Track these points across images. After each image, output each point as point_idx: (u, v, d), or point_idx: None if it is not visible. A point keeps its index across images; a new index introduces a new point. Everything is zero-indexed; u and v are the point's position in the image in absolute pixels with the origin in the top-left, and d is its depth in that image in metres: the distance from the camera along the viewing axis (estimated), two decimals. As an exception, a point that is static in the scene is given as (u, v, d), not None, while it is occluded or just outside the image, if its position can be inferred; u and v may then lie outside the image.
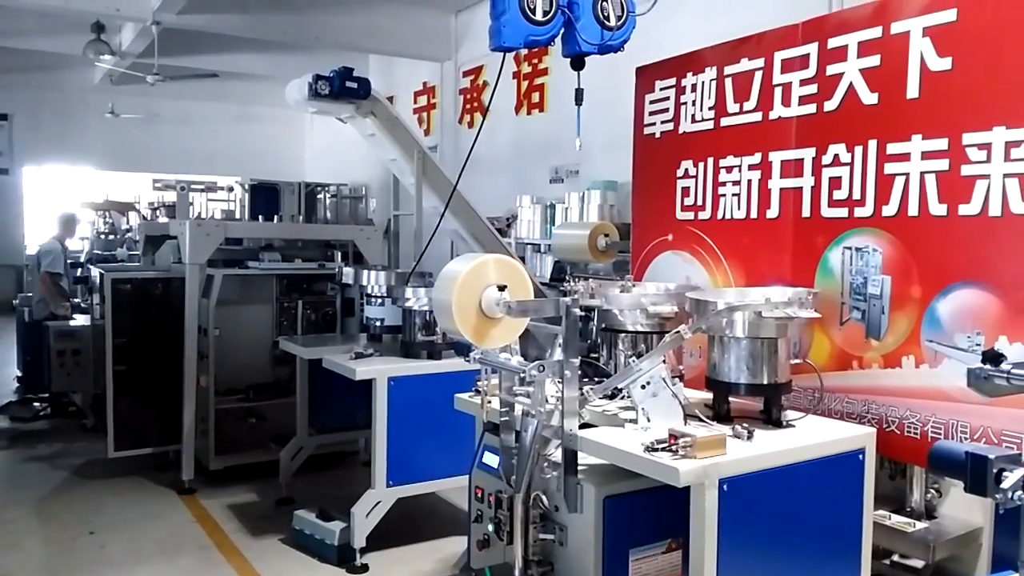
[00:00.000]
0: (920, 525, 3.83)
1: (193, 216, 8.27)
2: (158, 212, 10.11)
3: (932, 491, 3.96)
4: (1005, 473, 1.64)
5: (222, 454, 5.96)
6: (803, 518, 2.84)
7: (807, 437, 2.92)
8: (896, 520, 3.87)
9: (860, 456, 2.97)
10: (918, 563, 3.88)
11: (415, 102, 11.23)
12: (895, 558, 3.97)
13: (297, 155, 14.90)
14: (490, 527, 3.12)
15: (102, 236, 10.18)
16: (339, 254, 6.52)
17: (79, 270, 8.54)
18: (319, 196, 11.12)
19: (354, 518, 4.42)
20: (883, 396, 3.31)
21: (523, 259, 7.63)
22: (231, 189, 9.56)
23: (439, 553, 4.70)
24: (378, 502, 4.44)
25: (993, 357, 1.61)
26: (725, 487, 2.56)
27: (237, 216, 10.08)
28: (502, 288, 2.80)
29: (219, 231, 6.01)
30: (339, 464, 6.38)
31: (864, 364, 3.40)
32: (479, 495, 3.29)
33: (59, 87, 13.13)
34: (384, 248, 8.48)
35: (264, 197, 10.09)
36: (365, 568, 4.50)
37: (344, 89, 4.95)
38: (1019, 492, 1.62)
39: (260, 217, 7.98)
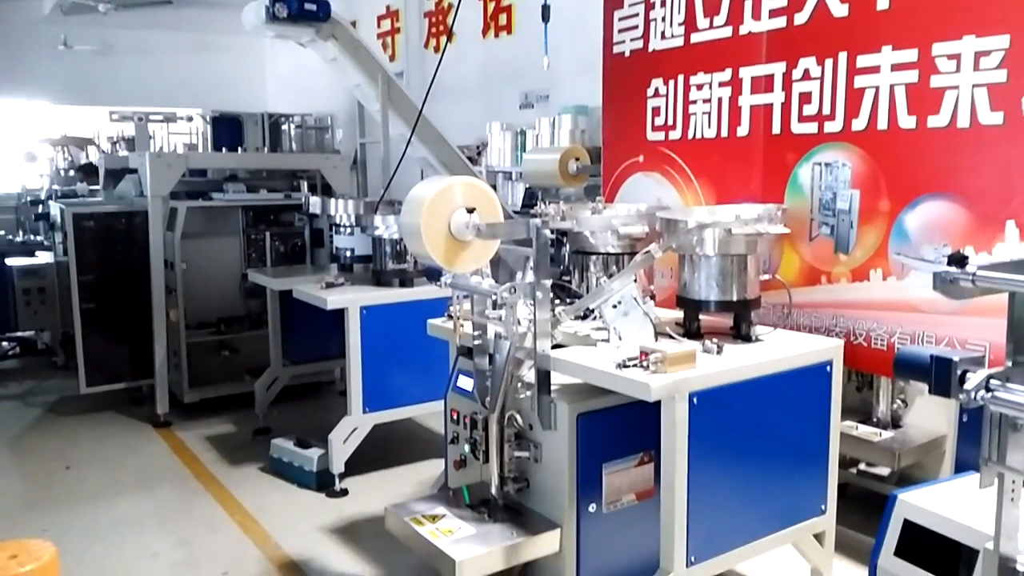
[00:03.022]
0: (886, 434, 3.95)
1: (154, 150, 8.05)
2: (118, 146, 9.84)
3: (898, 401, 4.07)
4: (968, 374, 1.67)
5: (196, 387, 5.96)
6: (772, 429, 2.90)
7: (776, 351, 2.96)
8: (863, 430, 3.98)
9: (828, 368, 3.02)
10: (884, 471, 4.01)
11: (379, 26, 10.91)
12: (861, 466, 4.10)
13: (258, 85, 14.49)
14: (466, 448, 3.17)
15: (61, 172, 9.92)
16: (305, 184, 6.41)
17: (39, 206, 8.34)
18: (283, 127, 10.86)
19: (331, 444, 4.46)
20: (851, 310, 3.36)
21: (494, 187, 7.56)
22: (191, 119, 9.30)
23: (417, 476, 4.77)
24: (355, 428, 4.47)
25: (959, 259, 1.62)
26: (695, 400, 2.60)
27: (200, 150, 9.84)
28: (471, 211, 2.78)
29: (180, 162, 5.87)
30: (315, 395, 6.40)
31: (832, 279, 3.44)
32: (455, 417, 3.33)
33: (6, 19, 12.56)
34: (352, 179, 8.35)
35: (227, 129, 9.82)
36: (345, 492, 4.56)
37: (303, 12, 4.80)
38: (982, 392, 1.65)
39: (223, 150, 7.80)
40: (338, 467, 4.50)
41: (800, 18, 3.42)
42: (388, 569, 3.73)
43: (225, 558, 3.89)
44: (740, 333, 3.09)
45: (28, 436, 5.74)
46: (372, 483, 4.69)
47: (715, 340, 2.87)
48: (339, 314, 4.43)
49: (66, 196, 8.01)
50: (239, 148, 8.45)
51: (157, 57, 13.64)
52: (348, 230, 4.97)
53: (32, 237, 8.53)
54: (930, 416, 4.00)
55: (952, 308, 2.97)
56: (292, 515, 4.35)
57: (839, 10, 3.27)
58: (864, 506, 3.79)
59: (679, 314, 3.23)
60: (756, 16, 3.57)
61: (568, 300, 3.24)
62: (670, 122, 4.04)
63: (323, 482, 4.61)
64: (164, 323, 5.79)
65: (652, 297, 3.22)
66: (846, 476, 3.93)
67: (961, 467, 3.52)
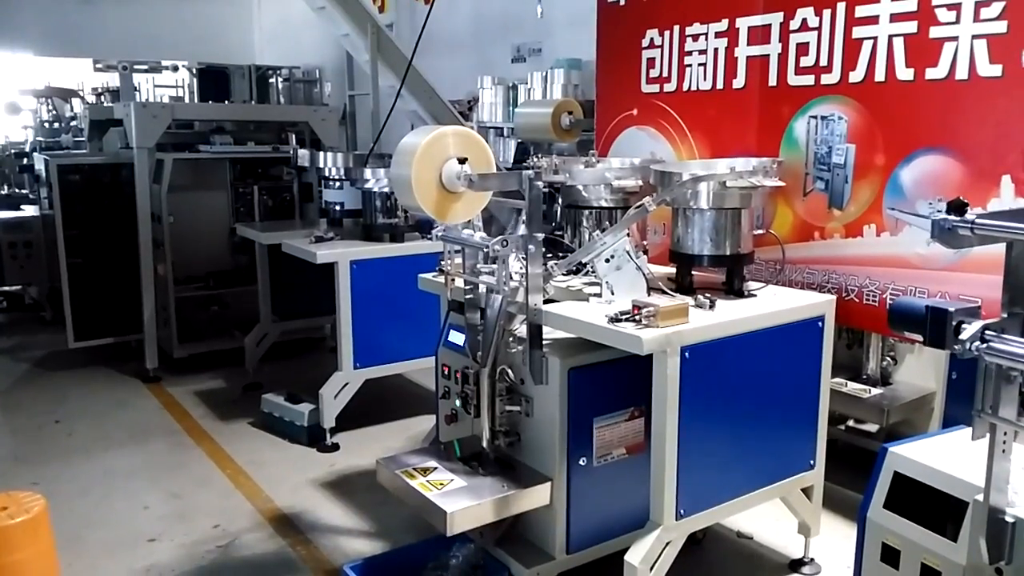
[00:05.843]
0: (875, 391, 3.97)
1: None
2: (103, 98, 9.67)
3: (888, 359, 4.08)
4: (964, 325, 1.66)
5: (185, 342, 5.93)
6: (763, 384, 2.90)
7: (768, 305, 2.95)
8: (853, 387, 4.00)
9: (819, 323, 3.01)
10: (872, 427, 4.04)
11: (369, -23, 10.72)
12: (850, 423, 4.13)
13: (246, 37, 14.24)
14: (457, 402, 3.16)
15: (45, 124, 9.77)
16: (294, 138, 6.31)
17: (24, 159, 8.21)
18: (271, 80, 10.69)
19: (322, 399, 4.45)
20: (843, 266, 3.34)
21: (485, 142, 7.48)
22: (176, 68, 9.14)
23: (408, 431, 4.78)
24: (346, 384, 4.46)
25: (958, 207, 1.60)
26: (687, 354, 2.58)
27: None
28: (462, 161, 2.73)
29: (166, 112, 5.76)
30: (306, 351, 6.39)
31: (826, 235, 3.41)
32: (446, 372, 3.32)
33: (-14, -34, 12.27)
34: (341, 133, 8.23)
35: (213, 82, 9.67)
36: (336, 447, 4.56)
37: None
38: (977, 343, 1.64)
39: (210, 103, 7.68)
40: (329, 422, 4.50)
41: (799, -33, 3.34)
42: (379, 522, 3.75)
43: (216, 511, 3.90)
44: (733, 288, 3.08)
45: (17, 391, 5.72)
46: (363, 438, 4.70)
47: (707, 295, 2.85)
48: (329, 269, 4.39)
49: (50, 148, 7.88)
50: (226, 101, 8.32)
51: (142, 7, 13.35)
52: (337, 184, 4.89)
53: (17, 190, 8.42)
54: (919, 373, 4.02)
55: (945, 264, 2.97)
56: (283, 469, 4.35)
57: (839, -42, 3.20)
58: (852, 462, 3.82)
59: (672, 270, 3.21)
60: (754, -36, 3.49)
61: (560, 255, 3.21)
62: (665, 74, 3.98)
63: (314, 437, 4.62)
64: (152, 277, 5.74)
65: (645, 253, 3.20)
66: (835, 432, 3.95)
67: (949, 423, 3.55)
